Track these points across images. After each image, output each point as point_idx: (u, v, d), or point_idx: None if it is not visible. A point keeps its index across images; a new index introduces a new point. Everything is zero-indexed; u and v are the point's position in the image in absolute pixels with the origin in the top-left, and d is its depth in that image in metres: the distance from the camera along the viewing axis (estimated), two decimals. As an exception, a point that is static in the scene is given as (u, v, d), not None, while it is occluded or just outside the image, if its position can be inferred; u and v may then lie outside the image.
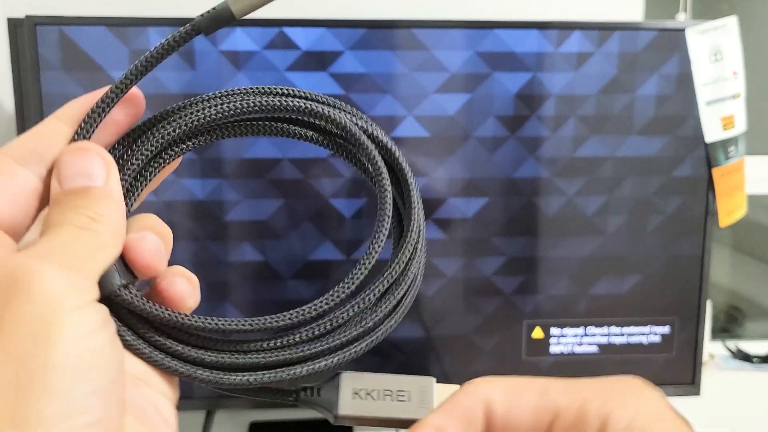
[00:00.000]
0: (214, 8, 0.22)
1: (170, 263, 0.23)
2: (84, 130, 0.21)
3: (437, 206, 0.65)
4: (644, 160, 0.66)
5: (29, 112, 0.61)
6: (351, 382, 0.24)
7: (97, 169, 0.20)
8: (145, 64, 0.22)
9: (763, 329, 1.07)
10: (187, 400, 0.64)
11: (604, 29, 0.63)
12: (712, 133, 0.66)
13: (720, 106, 0.65)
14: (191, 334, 0.22)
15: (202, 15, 0.22)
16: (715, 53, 0.65)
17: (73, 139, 0.21)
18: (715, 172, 0.66)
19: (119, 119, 0.22)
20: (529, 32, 0.63)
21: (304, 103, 0.23)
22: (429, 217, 0.65)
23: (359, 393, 0.24)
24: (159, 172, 0.23)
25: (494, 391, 0.21)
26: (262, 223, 0.64)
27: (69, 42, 0.59)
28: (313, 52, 0.61)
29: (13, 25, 0.61)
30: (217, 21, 0.22)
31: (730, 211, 0.68)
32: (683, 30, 0.64)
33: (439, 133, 0.64)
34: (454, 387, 0.23)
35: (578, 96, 0.64)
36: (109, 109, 0.21)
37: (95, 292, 0.18)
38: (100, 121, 0.21)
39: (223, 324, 0.22)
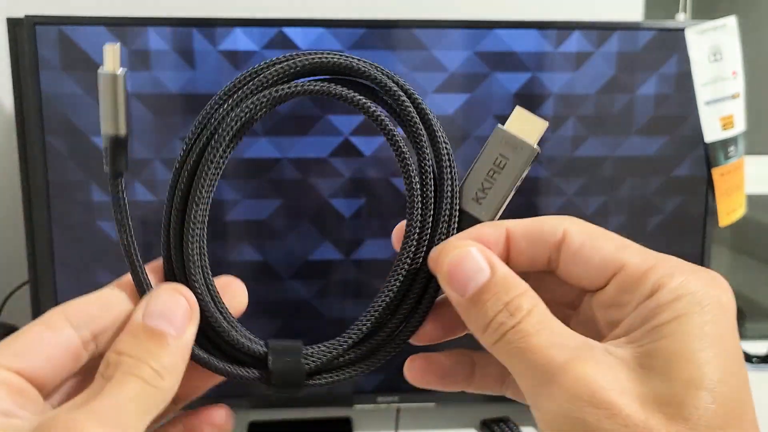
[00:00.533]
0: (105, 148, 0.21)
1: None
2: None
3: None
4: (644, 160, 0.66)
5: (28, 111, 0.61)
6: (465, 194, 0.23)
7: (179, 318, 0.21)
8: (122, 229, 0.22)
9: (762, 329, 1.07)
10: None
11: (603, 29, 0.63)
12: (711, 132, 0.66)
13: (719, 106, 0.65)
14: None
15: (104, 164, 0.21)
16: (714, 53, 0.65)
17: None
18: (714, 171, 0.66)
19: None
20: (528, 32, 0.63)
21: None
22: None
23: (476, 196, 0.23)
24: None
25: (577, 227, 0.21)
26: (261, 223, 0.64)
27: (68, 42, 0.59)
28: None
29: (13, 24, 0.61)
30: (119, 148, 0.21)
31: (729, 210, 0.68)
32: (683, 30, 0.64)
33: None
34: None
35: (578, 96, 0.64)
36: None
37: None
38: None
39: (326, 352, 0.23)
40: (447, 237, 0.23)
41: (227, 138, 0.22)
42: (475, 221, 0.23)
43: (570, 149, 0.65)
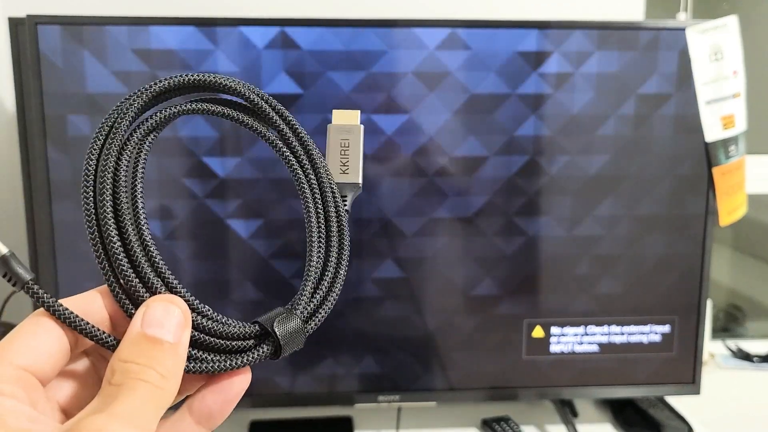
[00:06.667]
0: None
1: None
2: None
3: (438, 206, 0.65)
4: (644, 159, 0.66)
5: (30, 110, 0.61)
6: (333, 172, 0.30)
7: (175, 325, 0.23)
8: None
9: (763, 328, 1.07)
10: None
11: (603, 29, 0.63)
12: (712, 132, 0.66)
13: (720, 106, 0.65)
14: None
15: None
16: (715, 52, 0.65)
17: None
18: (715, 171, 0.66)
19: None
20: (528, 32, 0.63)
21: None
22: (430, 216, 0.65)
23: (341, 170, 0.30)
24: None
25: None
26: (262, 223, 0.64)
27: (70, 41, 0.59)
28: (313, 51, 0.61)
29: (14, 24, 0.61)
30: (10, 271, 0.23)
31: (730, 210, 0.68)
32: (683, 29, 0.64)
33: (439, 132, 0.64)
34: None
35: (578, 95, 0.64)
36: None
37: None
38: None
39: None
40: (336, 204, 0.29)
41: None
42: (354, 186, 0.29)
43: (570, 150, 0.65)
